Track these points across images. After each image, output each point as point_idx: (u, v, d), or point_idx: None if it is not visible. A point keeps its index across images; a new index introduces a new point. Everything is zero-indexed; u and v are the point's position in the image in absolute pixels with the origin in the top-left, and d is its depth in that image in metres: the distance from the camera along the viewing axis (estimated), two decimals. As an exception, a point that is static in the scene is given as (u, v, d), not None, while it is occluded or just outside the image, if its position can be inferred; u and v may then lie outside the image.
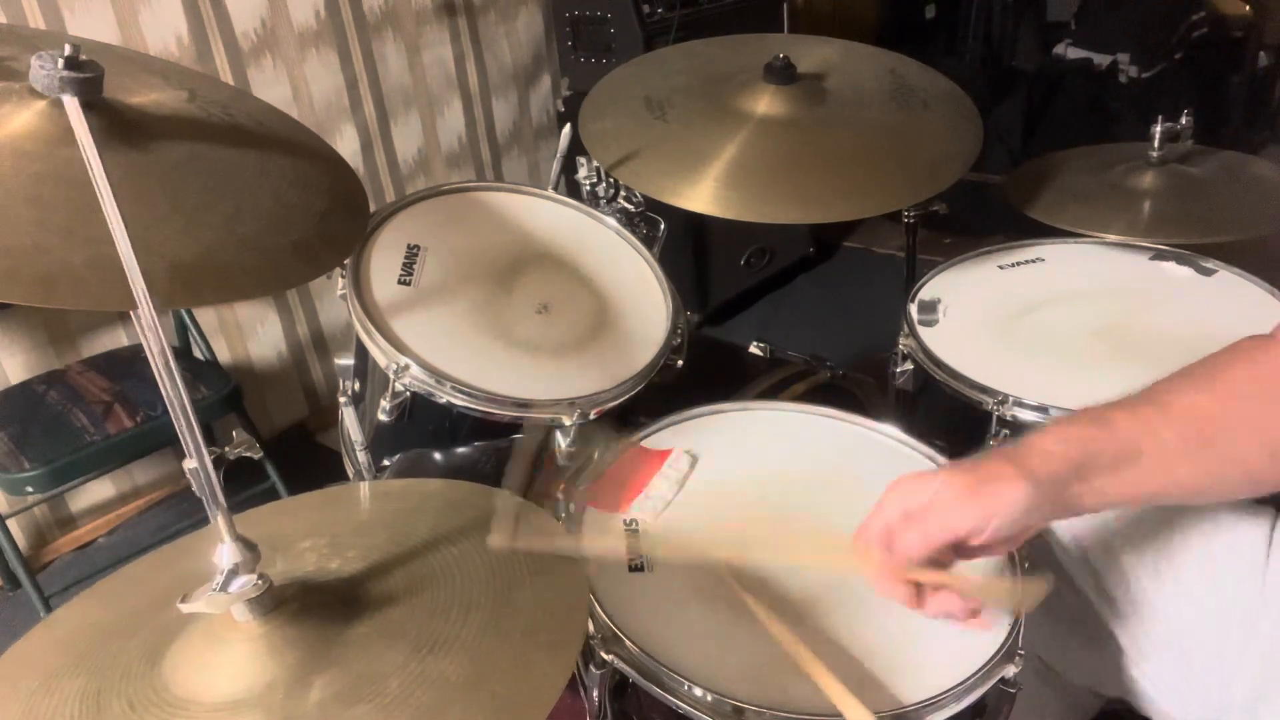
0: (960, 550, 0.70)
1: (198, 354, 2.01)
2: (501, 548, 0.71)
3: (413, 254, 1.10)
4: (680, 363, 1.13)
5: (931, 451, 0.96)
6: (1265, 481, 0.72)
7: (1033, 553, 0.84)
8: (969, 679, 0.73)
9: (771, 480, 0.96)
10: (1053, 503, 0.68)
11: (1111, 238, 1.30)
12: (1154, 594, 0.86)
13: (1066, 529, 0.91)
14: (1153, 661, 0.87)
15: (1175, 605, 0.85)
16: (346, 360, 1.10)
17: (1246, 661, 0.81)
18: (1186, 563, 0.85)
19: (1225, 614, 0.83)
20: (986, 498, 0.66)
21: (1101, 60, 3.33)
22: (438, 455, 1.10)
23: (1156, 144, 1.37)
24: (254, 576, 0.62)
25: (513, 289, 1.12)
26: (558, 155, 1.25)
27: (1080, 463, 0.67)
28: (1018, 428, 1.04)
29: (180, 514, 2.15)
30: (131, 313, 0.63)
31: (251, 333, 2.28)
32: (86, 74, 0.72)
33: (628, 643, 0.76)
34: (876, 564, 0.69)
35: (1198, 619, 0.84)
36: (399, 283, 1.06)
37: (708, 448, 1.00)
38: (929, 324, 1.20)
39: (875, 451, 0.99)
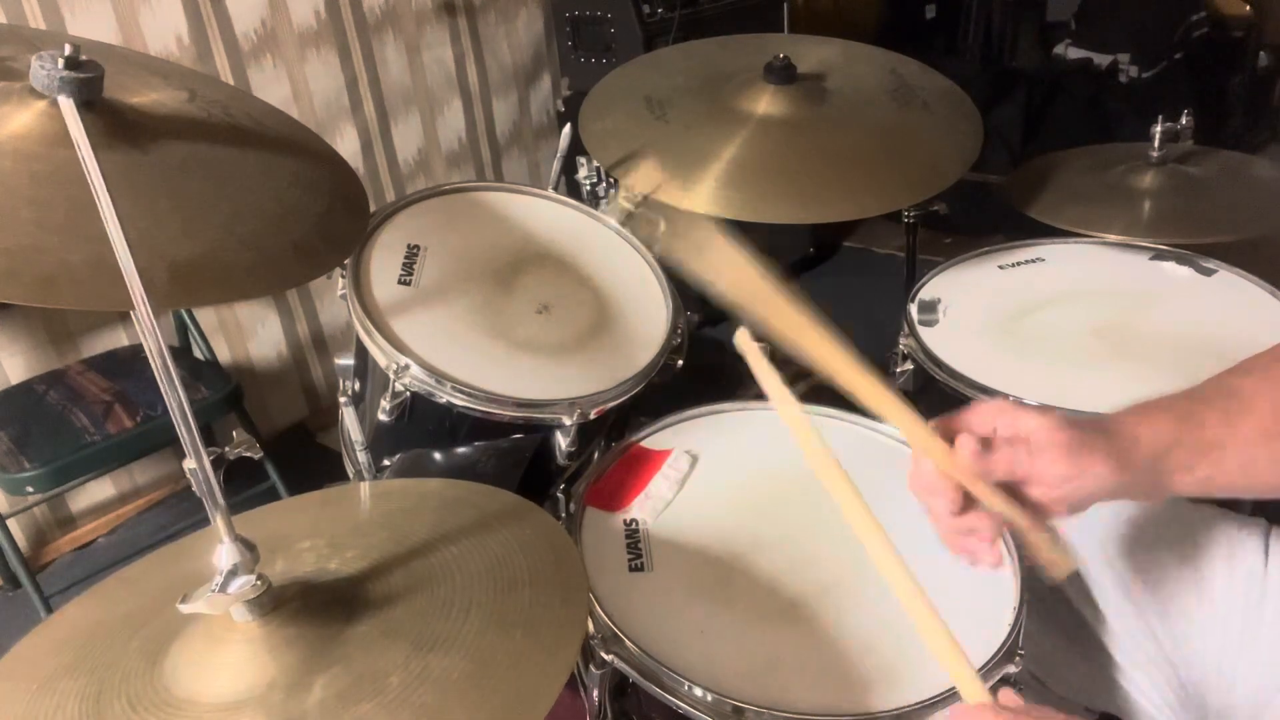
0: (1018, 493, 0.68)
1: (198, 354, 2.01)
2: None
3: (413, 254, 1.10)
4: (680, 363, 1.13)
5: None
6: None
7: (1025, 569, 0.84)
8: (969, 679, 0.73)
9: (771, 480, 0.96)
10: (1127, 488, 0.67)
11: (1111, 238, 1.30)
12: (1149, 608, 0.85)
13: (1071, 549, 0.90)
14: (1146, 675, 0.87)
15: (1169, 619, 0.85)
16: (346, 360, 1.10)
17: (1247, 668, 0.81)
18: (1182, 576, 0.85)
19: (1221, 627, 0.83)
20: (1076, 465, 0.65)
21: (1101, 60, 3.32)
22: (438, 455, 1.10)
23: (1156, 144, 1.37)
24: (253, 577, 0.62)
25: (513, 289, 1.12)
26: (558, 155, 1.25)
27: (1165, 455, 0.67)
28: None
29: (180, 514, 2.15)
30: (131, 313, 0.63)
31: (251, 333, 2.28)
32: (86, 74, 0.72)
33: (628, 643, 0.76)
34: (957, 458, 0.66)
35: (1191, 632, 0.84)
36: (399, 283, 1.06)
37: (708, 448, 1.00)
38: (929, 324, 1.20)
39: (875, 451, 0.99)
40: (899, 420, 0.70)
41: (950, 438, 0.67)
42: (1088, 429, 0.66)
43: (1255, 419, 0.68)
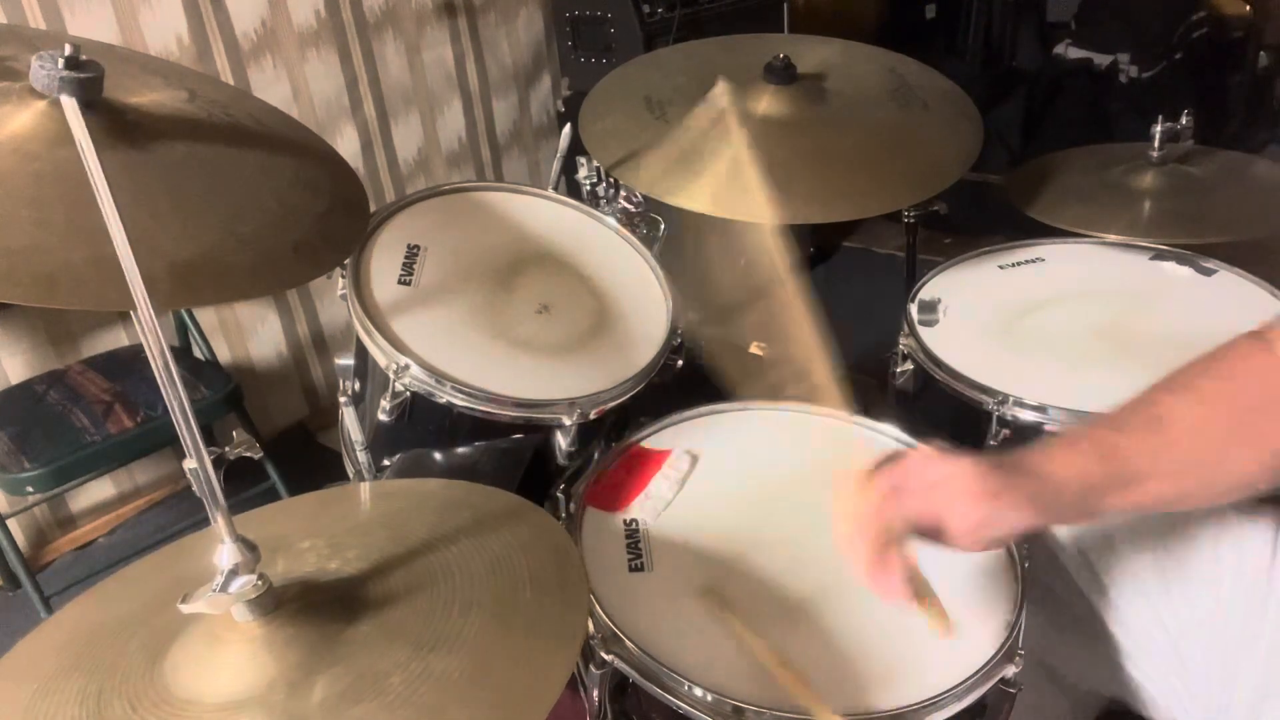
0: (937, 535, 0.70)
1: (198, 354, 2.01)
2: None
3: (413, 254, 1.10)
4: (680, 363, 1.13)
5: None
6: (1256, 486, 0.72)
7: (1034, 555, 0.84)
8: (969, 679, 0.73)
9: (771, 480, 0.96)
10: (1050, 522, 0.70)
11: (1112, 238, 1.30)
12: (1157, 596, 0.86)
13: (1068, 531, 0.91)
14: (1154, 663, 0.87)
15: (1178, 607, 0.85)
16: (346, 360, 1.10)
17: (1249, 663, 0.81)
18: (1191, 565, 0.85)
19: (1227, 616, 0.83)
20: (992, 511, 0.67)
21: (1102, 60, 3.32)
22: (438, 455, 1.10)
23: (1156, 144, 1.37)
24: (254, 577, 0.62)
25: (513, 289, 1.12)
26: (558, 155, 1.25)
27: (1087, 490, 0.68)
28: (1018, 428, 1.04)
29: (180, 514, 2.15)
30: (131, 313, 0.63)
31: (251, 333, 2.28)
32: (86, 74, 0.72)
33: (628, 643, 0.76)
34: (873, 499, 0.69)
35: (1200, 621, 0.84)
36: (399, 283, 1.06)
37: (708, 448, 1.00)
38: (929, 324, 1.20)
39: (875, 452, 0.99)
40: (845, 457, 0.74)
41: (890, 491, 0.70)
42: (1004, 478, 0.68)
43: (1172, 450, 0.69)
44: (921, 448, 0.73)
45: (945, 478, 0.69)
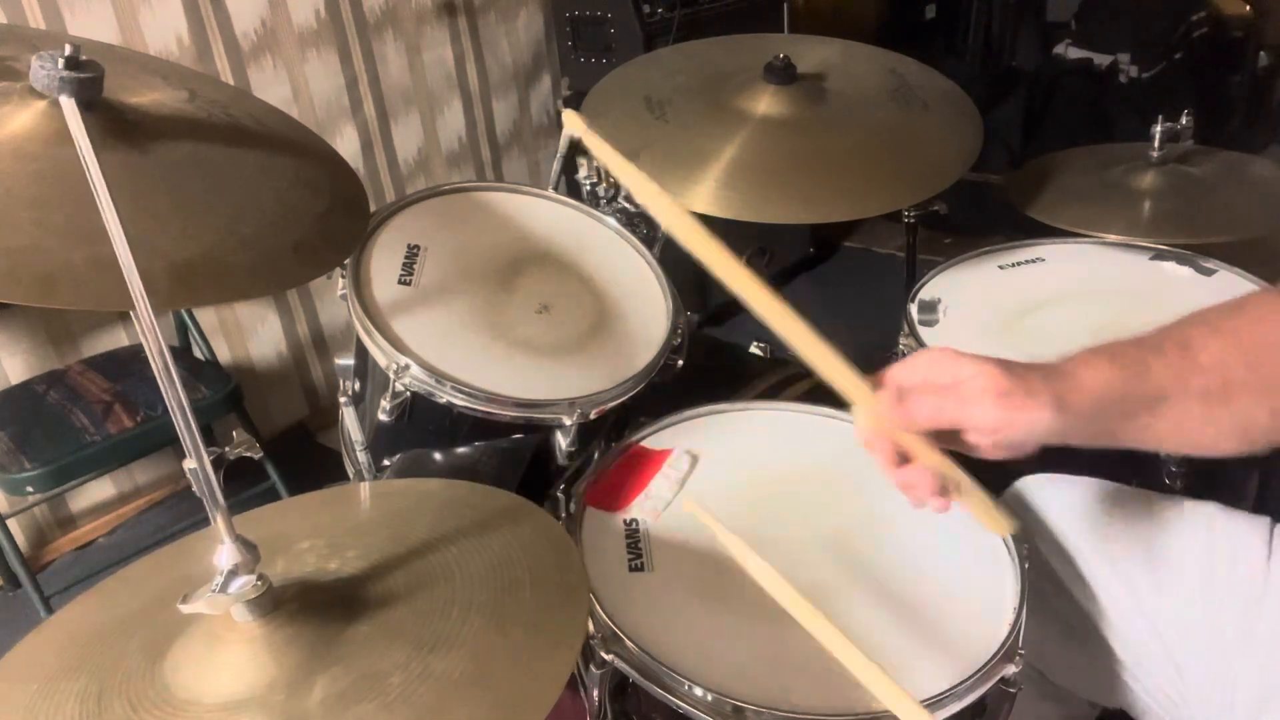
0: (957, 438, 0.68)
1: (198, 354, 2.01)
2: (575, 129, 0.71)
3: (413, 254, 1.10)
4: (680, 363, 1.13)
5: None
6: (1258, 442, 0.71)
7: (1029, 560, 0.84)
8: (969, 679, 0.73)
9: (771, 480, 0.96)
10: (1070, 430, 0.67)
11: (1111, 238, 1.30)
12: (1151, 604, 0.85)
13: (1062, 538, 0.90)
14: (1149, 671, 0.87)
15: (1172, 615, 0.85)
16: (346, 360, 1.10)
17: (1246, 666, 0.81)
18: (1185, 570, 0.85)
19: (1221, 623, 0.83)
20: (1012, 410, 0.65)
21: (1102, 60, 3.32)
22: (438, 455, 1.10)
23: (1157, 144, 1.37)
24: (253, 577, 0.62)
25: (513, 289, 1.12)
26: (558, 155, 1.25)
27: (1109, 404, 0.67)
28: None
29: (180, 514, 2.15)
30: (131, 313, 0.63)
31: (251, 333, 2.28)
32: (86, 74, 0.72)
33: (628, 643, 0.76)
34: (879, 410, 0.68)
35: (1194, 629, 0.84)
36: (399, 283, 1.06)
37: (708, 448, 1.00)
38: (929, 324, 1.20)
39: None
40: (833, 371, 0.72)
41: (901, 394, 0.68)
42: (1028, 374, 0.66)
43: (1199, 375, 0.68)
44: (936, 347, 0.70)
45: (963, 378, 0.66)
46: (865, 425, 0.68)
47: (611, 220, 1.24)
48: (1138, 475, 0.95)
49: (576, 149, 1.25)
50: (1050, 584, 0.91)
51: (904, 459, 0.67)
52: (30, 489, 1.64)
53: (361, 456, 1.11)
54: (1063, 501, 0.92)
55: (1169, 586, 0.85)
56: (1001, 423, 0.65)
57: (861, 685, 0.64)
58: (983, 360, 0.67)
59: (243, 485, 1.89)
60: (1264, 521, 0.85)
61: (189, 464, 0.63)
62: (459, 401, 0.97)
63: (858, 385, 0.69)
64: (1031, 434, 0.66)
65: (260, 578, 0.62)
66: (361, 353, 1.05)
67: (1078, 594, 0.89)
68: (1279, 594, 0.81)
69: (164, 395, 0.62)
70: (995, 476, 1.05)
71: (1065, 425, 0.66)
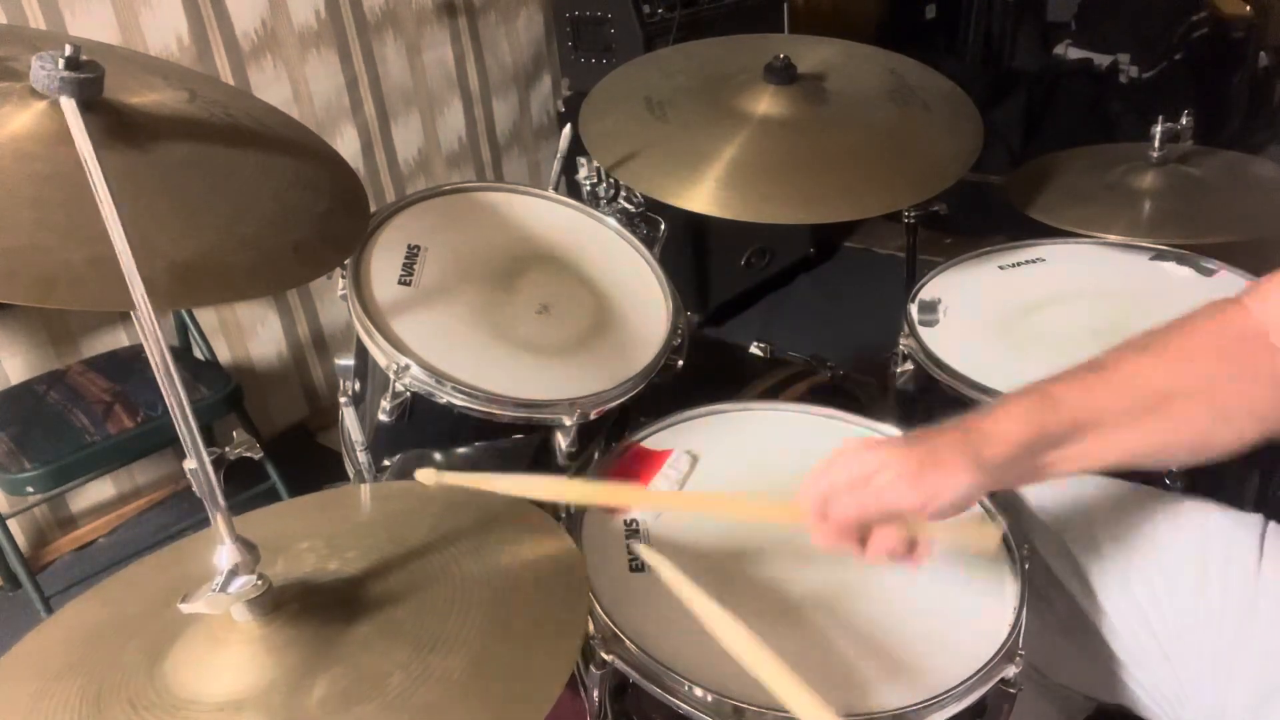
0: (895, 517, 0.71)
1: (198, 354, 2.01)
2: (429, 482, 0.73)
3: (413, 254, 1.10)
4: (680, 363, 1.13)
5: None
6: (1212, 447, 0.72)
7: (1029, 559, 0.84)
8: (969, 679, 0.73)
9: (771, 480, 0.96)
10: (997, 481, 0.70)
11: (1112, 238, 1.30)
12: (1146, 602, 0.86)
13: (1058, 537, 0.91)
14: (1145, 669, 0.87)
15: (1167, 613, 0.85)
16: (347, 360, 1.10)
17: (1243, 667, 0.81)
18: (1179, 568, 0.85)
19: (1217, 621, 0.83)
20: (930, 484, 0.67)
21: (1102, 60, 3.32)
22: (438, 455, 1.10)
23: (1157, 144, 1.37)
24: (254, 577, 0.62)
25: (513, 289, 1.12)
26: (558, 155, 1.25)
27: (1028, 444, 0.69)
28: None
29: (180, 514, 2.15)
30: (131, 313, 0.63)
31: (252, 333, 2.28)
32: (86, 74, 0.72)
33: (628, 643, 0.76)
34: (813, 524, 0.71)
35: (1189, 626, 0.84)
36: (399, 283, 1.06)
37: (708, 448, 1.00)
38: (929, 324, 1.20)
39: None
40: (758, 512, 0.79)
41: (823, 504, 0.71)
42: (937, 444, 0.69)
43: (1114, 393, 0.69)
44: (845, 443, 0.73)
45: (873, 471, 0.69)
46: (815, 539, 0.72)
47: (611, 220, 1.24)
48: (1137, 475, 0.95)
49: (576, 149, 1.25)
50: (1046, 580, 0.91)
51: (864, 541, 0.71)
52: (30, 489, 1.64)
53: (362, 457, 1.11)
54: (1059, 497, 0.92)
55: (1164, 583, 0.85)
56: (924, 500, 0.68)
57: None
58: (889, 447, 0.70)
59: (243, 485, 1.89)
60: (1257, 519, 0.85)
61: (189, 464, 0.63)
62: (459, 402, 0.97)
63: (785, 511, 0.73)
64: (958, 498, 0.68)
65: (260, 578, 0.62)
66: (361, 353, 1.05)
67: (1073, 590, 0.89)
68: (1272, 591, 0.81)
69: (164, 395, 0.62)
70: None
71: (991, 478, 0.69)
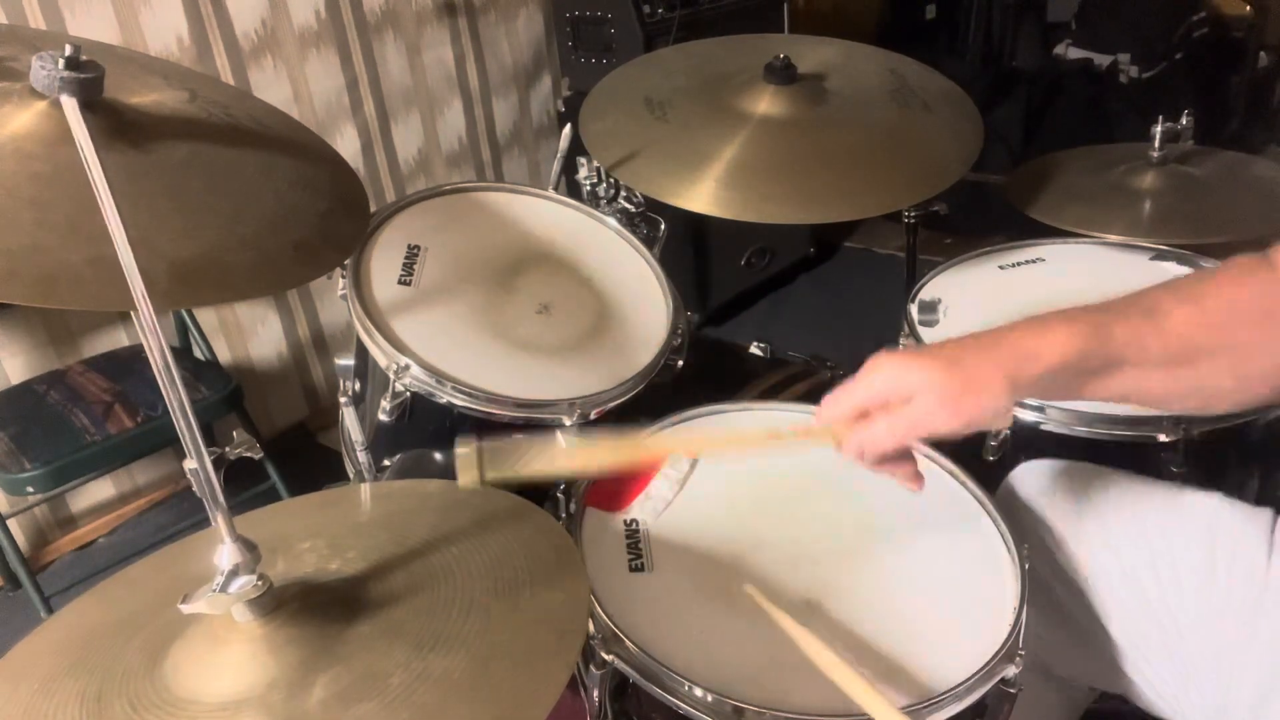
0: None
1: (198, 354, 2.01)
2: (470, 484, 0.72)
3: (413, 254, 1.10)
4: (680, 363, 1.13)
5: (931, 451, 0.96)
6: (1227, 399, 0.74)
7: (1030, 551, 0.84)
8: (969, 679, 0.73)
9: (771, 480, 0.96)
10: (1028, 394, 0.71)
11: (1112, 238, 1.30)
12: (1153, 595, 0.86)
13: (1063, 524, 0.91)
14: (1151, 662, 0.87)
15: (1173, 607, 0.85)
16: (347, 360, 1.10)
17: (1248, 662, 0.81)
18: (1186, 562, 0.85)
19: (1223, 615, 0.83)
20: (970, 406, 0.67)
21: (1102, 60, 3.32)
22: (438, 455, 1.10)
23: (1157, 144, 1.37)
24: (254, 577, 0.62)
25: (513, 289, 1.12)
26: (558, 155, 1.25)
27: (1069, 368, 0.69)
28: (1017, 428, 1.04)
29: (181, 514, 2.15)
30: (131, 313, 0.63)
31: (252, 333, 2.28)
32: (87, 74, 0.72)
33: (628, 643, 0.76)
34: (845, 441, 0.71)
35: (1196, 620, 0.84)
36: (399, 283, 1.06)
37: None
38: (929, 324, 1.20)
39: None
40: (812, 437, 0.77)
41: (859, 417, 0.72)
42: (978, 361, 0.68)
43: (1161, 340, 0.70)
44: (876, 359, 0.72)
45: (912, 391, 0.68)
46: (842, 449, 0.73)
47: (611, 220, 1.24)
48: (1143, 468, 0.95)
49: (576, 149, 1.26)
50: (1050, 571, 0.91)
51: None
52: (30, 489, 1.64)
53: (362, 457, 1.11)
54: (1064, 487, 0.92)
55: (1171, 576, 0.85)
56: (964, 424, 0.68)
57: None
58: (928, 364, 0.69)
59: (243, 485, 1.89)
60: (1267, 513, 0.85)
61: (189, 464, 0.63)
62: (459, 402, 0.97)
63: (810, 433, 0.75)
64: (994, 416, 0.68)
65: (261, 578, 0.62)
66: (362, 353, 1.05)
67: (1078, 581, 0.89)
68: (1278, 588, 0.81)
69: (164, 395, 0.62)
70: (994, 466, 1.05)
71: (1023, 394, 0.69)
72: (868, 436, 0.69)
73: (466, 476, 0.72)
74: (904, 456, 0.71)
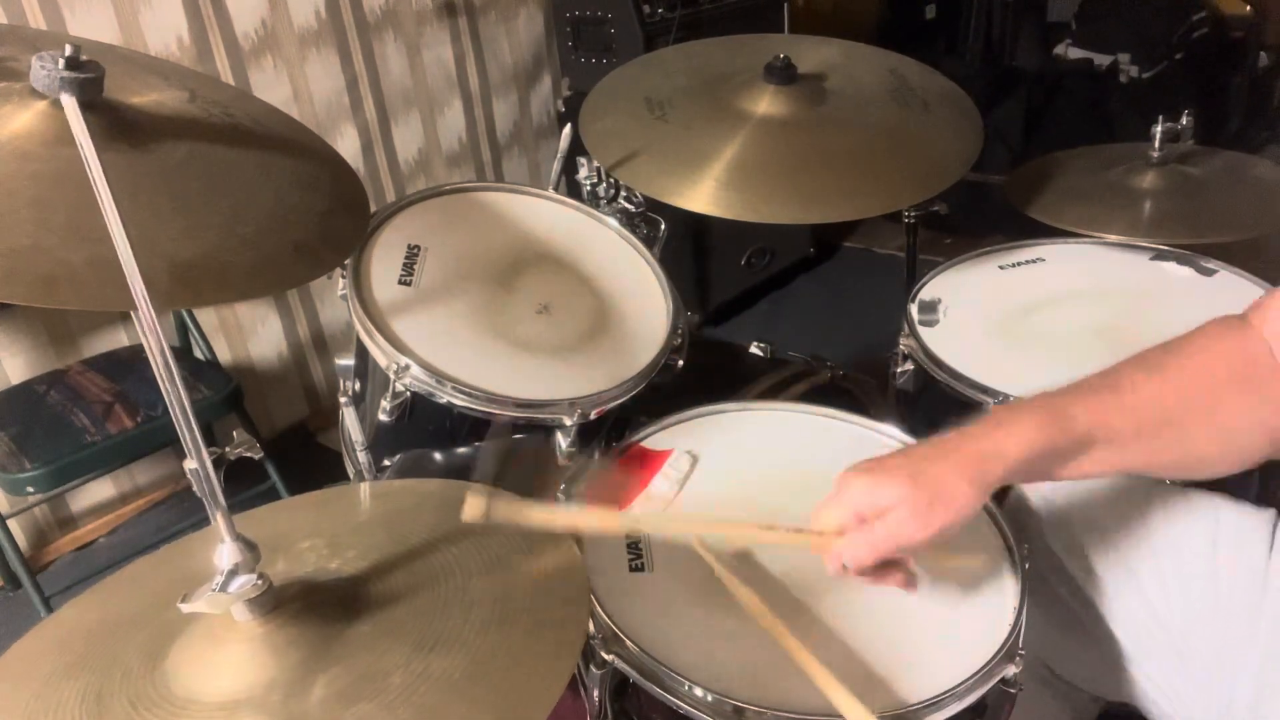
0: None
1: (198, 354, 2.01)
2: (474, 519, 0.71)
3: (413, 254, 1.10)
4: (680, 363, 1.13)
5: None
6: (1215, 465, 0.73)
7: (1033, 554, 0.84)
8: (969, 679, 0.73)
9: (771, 480, 0.96)
10: (998, 489, 0.70)
11: (1112, 238, 1.30)
12: (1155, 596, 0.86)
13: (1067, 532, 0.91)
14: (1154, 663, 0.87)
15: (1176, 607, 0.85)
16: (347, 360, 1.10)
17: (1247, 662, 0.81)
18: (1188, 562, 0.85)
19: (1226, 615, 0.83)
20: (939, 517, 0.68)
21: (1102, 60, 3.33)
22: (438, 455, 1.10)
23: (1157, 144, 1.37)
24: (254, 576, 0.62)
25: (513, 289, 1.12)
26: (558, 155, 1.25)
27: (1036, 458, 0.69)
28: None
29: (181, 514, 2.15)
30: (131, 313, 0.63)
31: (252, 333, 2.28)
32: (87, 74, 0.72)
33: (628, 643, 0.76)
34: (828, 556, 0.72)
35: (1199, 620, 0.84)
36: (399, 283, 1.06)
37: (708, 448, 1.00)
38: (929, 324, 1.20)
39: (875, 452, 0.99)
40: (778, 539, 0.78)
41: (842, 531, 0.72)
42: (940, 474, 0.69)
43: (1128, 416, 0.70)
44: (845, 476, 0.73)
45: (885, 508, 0.69)
46: (832, 566, 0.73)
47: (612, 220, 1.24)
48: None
49: (577, 149, 1.25)
50: (1054, 574, 0.91)
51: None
52: (31, 489, 1.64)
53: (362, 457, 1.11)
54: (1068, 492, 0.92)
55: (1172, 577, 0.85)
56: (933, 534, 0.68)
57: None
58: (895, 479, 0.70)
59: (243, 485, 1.89)
60: (1269, 514, 0.85)
61: (189, 464, 0.63)
62: (459, 402, 0.97)
63: (802, 539, 0.74)
64: (964, 522, 0.69)
65: (260, 577, 0.62)
66: (362, 353, 1.05)
67: (1081, 584, 0.90)
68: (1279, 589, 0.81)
69: (164, 395, 0.62)
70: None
71: (992, 492, 0.70)
72: (848, 550, 0.70)
73: (472, 513, 0.72)
74: (892, 566, 0.72)
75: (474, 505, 0.70)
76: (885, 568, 0.72)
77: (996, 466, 0.69)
